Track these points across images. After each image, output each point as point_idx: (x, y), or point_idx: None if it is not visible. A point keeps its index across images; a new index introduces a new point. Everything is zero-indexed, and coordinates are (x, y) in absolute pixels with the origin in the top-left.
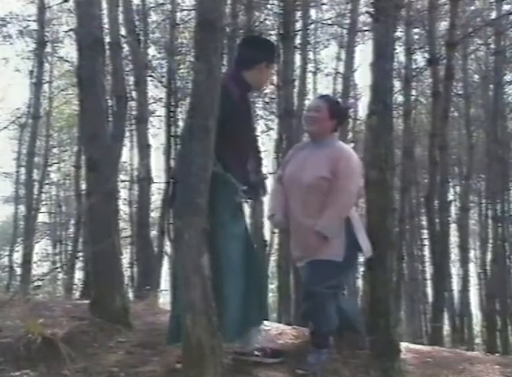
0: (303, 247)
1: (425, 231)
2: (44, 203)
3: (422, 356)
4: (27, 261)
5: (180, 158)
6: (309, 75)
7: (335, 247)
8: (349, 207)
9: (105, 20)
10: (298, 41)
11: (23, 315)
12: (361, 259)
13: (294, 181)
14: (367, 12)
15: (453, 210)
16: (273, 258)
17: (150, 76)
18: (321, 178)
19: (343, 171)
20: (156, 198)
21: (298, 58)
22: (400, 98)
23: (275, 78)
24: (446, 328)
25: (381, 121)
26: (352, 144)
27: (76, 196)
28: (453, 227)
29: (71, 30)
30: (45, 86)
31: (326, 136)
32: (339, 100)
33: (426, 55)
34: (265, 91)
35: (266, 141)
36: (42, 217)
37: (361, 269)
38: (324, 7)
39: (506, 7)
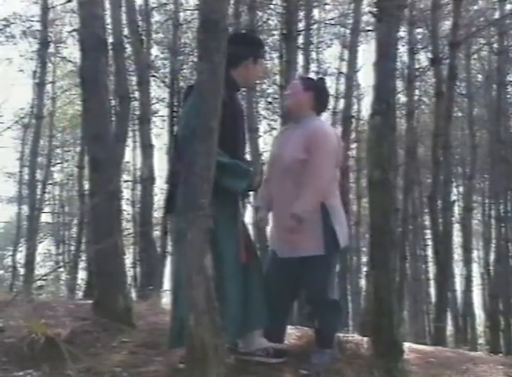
0: (282, 236)
1: (428, 231)
2: (47, 203)
3: (426, 356)
4: (30, 262)
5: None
6: (312, 75)
7: (315, 239)
8: (324, 188)
9: (108, 20)
10: (300, 41)
11: (26, 315)
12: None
13: (274, 163)
14: (370, 12)
15: (456, 210)
16: None
17: (153, 76)
18: (297, 159)
19: (316, 150)
20: (159, 198)
21: (300, 58)
22: (403, 98)
23: (265, 72)
24: (449, 328)
25: (384, 121)
26: (355, 144)
27: (79, 196)
28: (456, 227)
29: (74, 30)
30: (49, 87)
31: (304, 113)
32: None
33: (429, 55)
34: (268, 91)
35: (269, 141)
36: (45, 218)
37: (364, 268)
38: (327, 7)
39: (509, 7)
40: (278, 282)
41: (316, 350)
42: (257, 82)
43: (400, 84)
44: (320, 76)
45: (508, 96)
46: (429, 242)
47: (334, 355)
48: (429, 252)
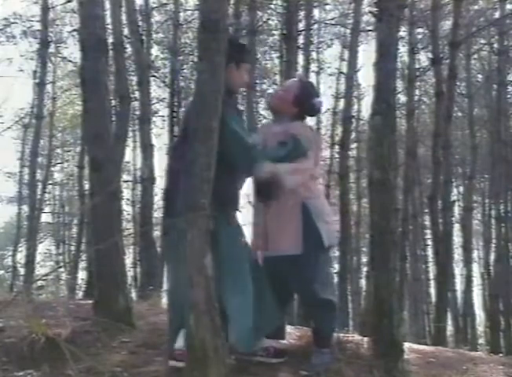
0: (264, 235)
1: (428, 231)
2: (47, 203)
3: (426, 356)
4: (30, 262)
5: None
6: (312, 75)
7: (293, 239)
8: (308, 168)
9: (108, 20)
10: (301, 41)
11: (26, 315)
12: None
13: None
14: (371, 12)
15: (456, 210)
16: None
17: (153, 76)
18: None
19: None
20: (159, 198)
21: (301, 58)
22: (403, 98)
23: (249, 79)
24: (449, 328)
25: (384, 121)
26: (355, 144)
27: (79, 196)
28: (456, 227)
29: (74, 30)
30: (49, 87)
31: (287, 114)
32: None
33: (430, 55)
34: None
35: None
36: (46, 218)
37: (364, 268)
38: (327, 7)
39: (509, 7)
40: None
41: (316, 350)
42: (243, 87)
43: (400, 84)
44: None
45: (508, 96)
46: (429, 242)
47: (334, 355)
48: (429, 252)
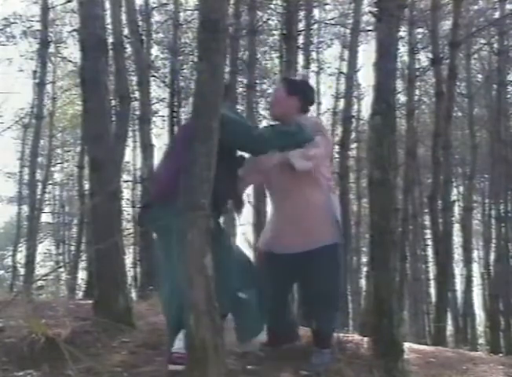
0: (293, 231)
1: (428, 231)
2: (47, 203)
3: (426, 356)
4: (30, 262)
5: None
6: (312, 75)
7: (329, 227)
8: (314, 156)
9: (108, 20)
10: (301, 41)
11: (26, 315)
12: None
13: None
14: (371, 12)
15: (456, 210)
16: None
17: (153, 76)
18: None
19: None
20: None
21: (301, 58)
22: (403, 98)
23: None
24: (449, 328)
25: (384, 121)
26: (355, 144)
27: (79, 196)
28: (456, 227)
29: (74, 30)
30: (49, 87)
31: (291, 118)
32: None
33: (430, 55)
34: (268, 91)
35: None
36: (46, 218)
37: (364, 268)
38: (327, 7)
39: (509, 7)
40: (277, 282)
41: (316, 350)
42: None
43: (400, 84)
44: (302, 76)
45: (508, 96)
46: (429, 242)
47: (334, 355)
48: (429, 252)
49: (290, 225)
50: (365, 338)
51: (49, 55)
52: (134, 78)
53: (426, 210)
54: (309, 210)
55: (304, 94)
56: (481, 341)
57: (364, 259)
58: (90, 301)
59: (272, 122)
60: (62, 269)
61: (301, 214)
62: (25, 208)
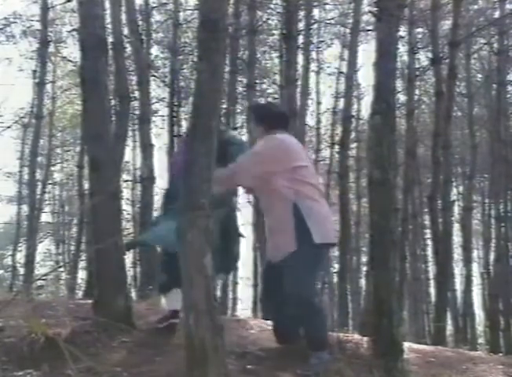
0: (271, 241)
1: (428, 231)
2: (47, 202)
3: (425, 355)
4: (30, 261)
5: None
6: (312, 75)
7: (289, 237)
8: (236, 172)
9: (108, 20)
10: (300, 40)
11: (26, 315)
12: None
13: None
14: (370, 11)
15: (456, 209)
16: None
17: (153, 76)
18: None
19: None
20: (159, 198)
21: (300, 58)
22: (403, 98)
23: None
24: (449, 328)
25: (384, 120)
26: (355, 144)
27: (79, 196)
28: (456, 227)
29: (74, 30)
30: (49, 86)
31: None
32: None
33: (429, 54)
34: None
35: None
36: (45, 217)
37: (364, 268)
38: (327, 7)
39: (509, 6)
40: (275, 287)
41: (314, 352)
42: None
43: (400, 84)
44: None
45: (508, 96)
46: (429, 241)
47: (333, 355)
48: (429, 252)
49: (268, 239)
50: (365, 338)
51: (48, 54)
52: (134, 78)
53: (426, 210)
54: (276, 223)
55: (270, 119)
56: (481, 340)
57: (364, 259)
58: (90, 301)
59: None
60: (62, 269)
61: (272, 228)
62: (25, 208)
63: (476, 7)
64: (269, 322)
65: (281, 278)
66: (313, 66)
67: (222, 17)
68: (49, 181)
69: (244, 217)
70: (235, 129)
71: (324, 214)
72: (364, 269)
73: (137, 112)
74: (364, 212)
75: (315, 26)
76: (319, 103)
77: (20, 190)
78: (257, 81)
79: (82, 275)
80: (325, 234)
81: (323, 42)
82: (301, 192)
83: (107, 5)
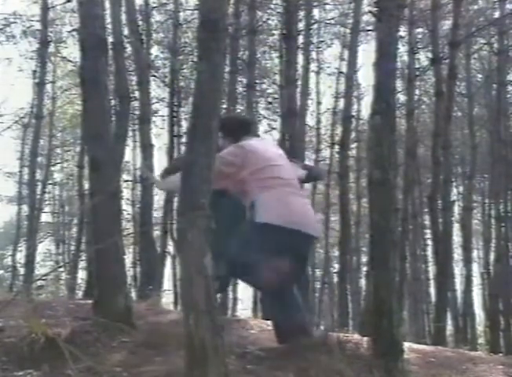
0: None
1: (428, 231)
2: (47, 202)
3: (426, 356)
4: (30, 261)
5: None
6: (312, 75)
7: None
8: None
9: (108, 20)
10: (300, 40)
11: (26, 315)
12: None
13: None
14: (370, 11)
15: (456, 209)
16: None
17: (153, 76)
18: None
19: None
20: (159, 198)
21: (300, 58)
22: (403, 98)
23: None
24: (449, 328)
25: (384, 121)
26: (355, 144)
27: (79, 196)
28: (456, 227)
29: (74, 30)
30: (49, 86)
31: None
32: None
33: (429, 54)
34: (268, 91)
35: None
36: (45, 217)
37: (364, 268)
38: (327, 7)
39: (509, 6)
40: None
41: None
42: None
43: (400, 84)
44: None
45: (508, 96)
46: (429, 242)
47: (333, 355)
48: (429, 252)
49: None
50: (365, 338)
51: (48, 55)
52: (134, 78)
53: (426, 210)
54: None
55: (226, 132)
56: (481, 341)
57: (364, 259)
58: (90, 301)
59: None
60: (62, 269)
61: None
62: (25, 208)
63: (476, 7)
64: (269, 322)
65: None
66: (313, 66)
67: (222, 17)
68: (49, 181)
69: None
70: None
71: (282, 199)
72: (364, 269)
73: (137, 112)
74: (364, 212)
75: (315, 26)
76: (319, 103)
77: (20, 190)
78: (257, 81)
79: (82, 275)
80: (273, 216)
81: (323, 42)
82: (263, 189)
83: (107, 5)
